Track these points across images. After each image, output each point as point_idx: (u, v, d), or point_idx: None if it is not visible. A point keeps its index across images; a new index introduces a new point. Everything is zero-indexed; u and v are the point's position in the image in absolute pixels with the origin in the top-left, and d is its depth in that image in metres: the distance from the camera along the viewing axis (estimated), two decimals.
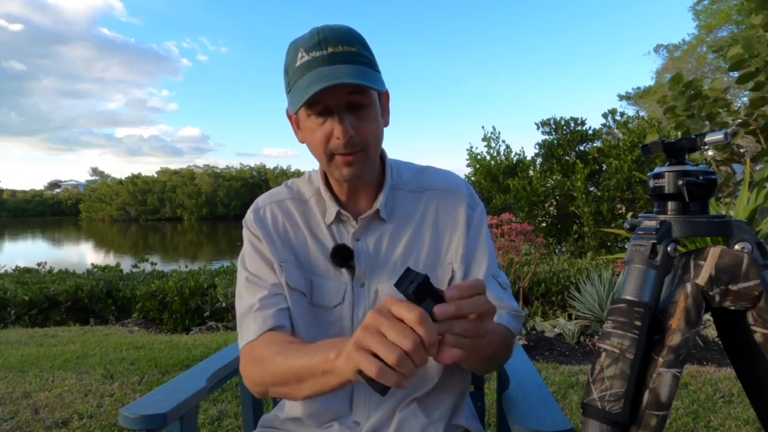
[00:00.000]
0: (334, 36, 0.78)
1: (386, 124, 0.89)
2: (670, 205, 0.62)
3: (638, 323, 0.56)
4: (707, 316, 0.60)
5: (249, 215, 0.95)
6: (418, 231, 0.91)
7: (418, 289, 0.55)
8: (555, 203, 8.16)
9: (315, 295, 0.90)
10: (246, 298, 0.89)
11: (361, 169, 0.84)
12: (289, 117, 0.90)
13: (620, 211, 7.72)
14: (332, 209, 0.91)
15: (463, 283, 0.58)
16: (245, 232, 0.94)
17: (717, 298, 0.56)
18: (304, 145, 0.90)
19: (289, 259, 0.90)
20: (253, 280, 0.89)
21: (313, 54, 0.77)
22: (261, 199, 0.97)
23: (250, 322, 0.85)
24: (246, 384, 0.86)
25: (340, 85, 0.75)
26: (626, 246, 0.62)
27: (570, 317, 3.92)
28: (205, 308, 4.99)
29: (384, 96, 0.89)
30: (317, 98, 0.76)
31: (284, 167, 49.90)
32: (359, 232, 0.91)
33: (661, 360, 0.55)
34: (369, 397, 0.89)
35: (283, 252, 0.90)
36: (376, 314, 0.57)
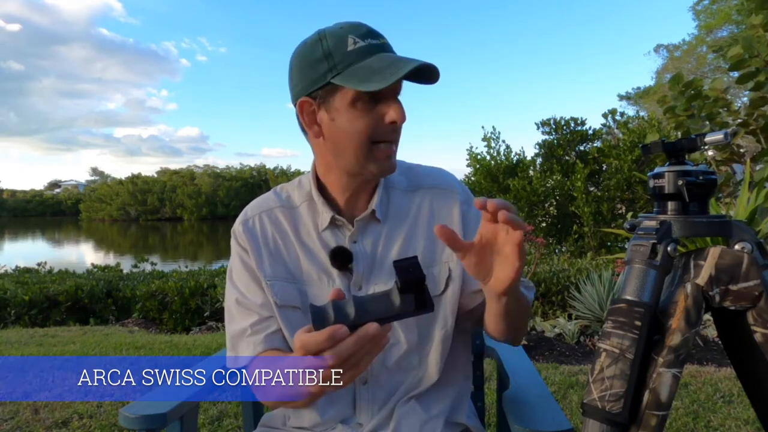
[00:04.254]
0: (373, 30, 0.82)
1: None
2: (670, 205, 0.62)
3: (638, 323, 0.56)
4: (707, 316, 0.60)
5: (238, 226, 0.92)
6: (412, 231, 0.91)
7: (407, 284, 0.54)
8: (555, 203, 8.15)
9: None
10: (238, 321, 0.88)
11: (394, 163, 0.86)
12: (301, 111, 0.83)
13: (620, 211, 7.72)
14: (326, 215, 0.89)
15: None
16: (233, 243, 0.92)
17: (717, 298, 0.56)
18: (308, 144, 0.89)
19: (279, 274, 0.89)
20: (243, 302, 0.88)
21: (370, 41, 0.79)
22: (250, 209, 0.95)
23: (243, 348, 0.86)
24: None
25: (417, 69, 0.76)
26: (626, 246, 0.62)
27: (570, 317, 3.92)
28: (205, 308, 5.00)
29: None
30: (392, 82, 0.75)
31: (284, 167, 49.91)
32: (356, 234, 0.90)
33: (661, 360, 0.55)
34: (372, 399, 0.89)
35: (271, 267, 0.89)
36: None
